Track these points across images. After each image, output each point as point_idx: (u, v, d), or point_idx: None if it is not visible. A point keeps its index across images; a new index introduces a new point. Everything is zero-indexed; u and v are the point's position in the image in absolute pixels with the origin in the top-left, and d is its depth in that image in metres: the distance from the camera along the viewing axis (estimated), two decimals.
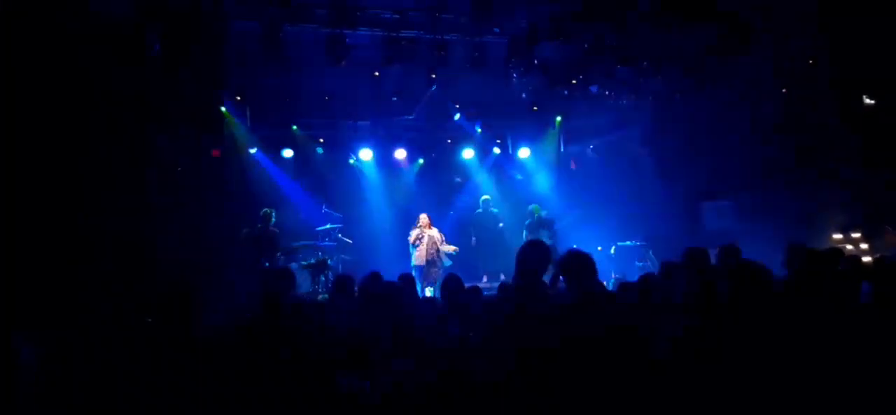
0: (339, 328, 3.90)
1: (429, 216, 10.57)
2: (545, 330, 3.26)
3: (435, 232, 10.47)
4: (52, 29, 6.37)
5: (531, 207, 11.85)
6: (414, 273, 9.83)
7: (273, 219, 10.06)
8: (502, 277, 11.77)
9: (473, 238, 12.28)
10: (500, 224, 12.28)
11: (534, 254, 3.84)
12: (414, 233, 10.40)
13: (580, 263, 3.90)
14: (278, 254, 9.85)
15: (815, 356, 3.25)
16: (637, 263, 11.25)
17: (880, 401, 3.01)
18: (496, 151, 13.83)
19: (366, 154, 12.96)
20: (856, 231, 10.78)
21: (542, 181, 13.67)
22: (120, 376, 3.21)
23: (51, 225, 6.04)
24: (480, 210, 12.46)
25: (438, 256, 10.34)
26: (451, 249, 10.54)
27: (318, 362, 3.31)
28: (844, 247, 9.89)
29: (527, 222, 11.64)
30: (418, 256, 10.30)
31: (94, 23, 6.82)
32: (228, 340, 3.83)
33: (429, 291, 9.90)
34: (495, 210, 12.50)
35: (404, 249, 10.78)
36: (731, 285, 4.01)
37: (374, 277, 4.91)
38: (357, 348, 3.59)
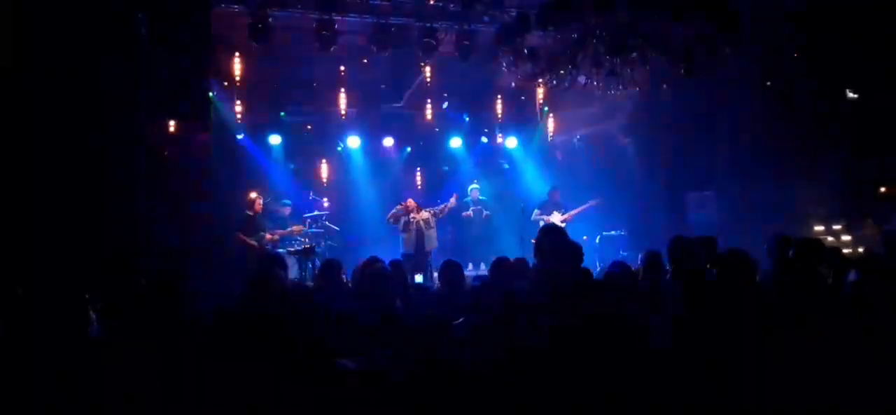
0: (329, 313, 3.91)
1: (415, 201, 10.49)
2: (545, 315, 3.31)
3: (424, 214, 10.36)
4: (39, 16, 6.32)
5: (551, 188, 11.73)
6: (403, 261, 9.82)
7: (260, 202, 10.01)
8: (482, 266, 11.83)
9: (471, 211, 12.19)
10: (485, 214, 12.26)
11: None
12: (402, 220, 10.30)
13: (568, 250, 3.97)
14: (262, 235, 9.79)
15: (801, 346, 3.31)
16: (621, 253, 11.35)
17: (866, 388, 3.07)
18: (484, 139, 13.84)
19: (354, 141, 12.93)
20: (837, 223, 10.92)
21: (529, 171, 13.72)
22: (109, 361, 3.21)
23: (38, 213, 6.01)
24: (469, 199, 12.45)
25: (430, 241, 10.29)
26: (441, 210, 10.46)
27: (309, 347, 3.32)
28: (826, 238, 10.03)
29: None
30: (407, 242, 10.24)
31: (81, 9, 6.76)
32: (218, 324, 3.84)
33: (418, 278, 9.88)
34: (483, 198, 12.51)
35: (391, 236, 10.78)
36: (718, 275, 4.08)
37: (372, 261, 4.90)
38: (347, 333, 3.61)
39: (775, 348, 3.22)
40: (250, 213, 9.78)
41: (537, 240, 4.25)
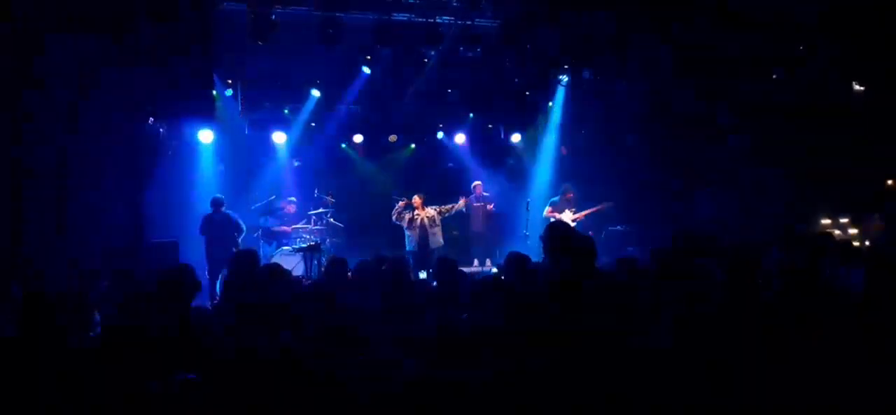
0: (332, 309, 3.91)
1: (421, 197, 10.44)
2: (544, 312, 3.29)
3: (430, 211, 10.32)
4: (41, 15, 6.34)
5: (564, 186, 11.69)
6: (408, 258, 9.81)
7: (223, 204, 10.05)
8: (488, 262, 11.82)
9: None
10: (489, 207, 12.22)
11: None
12: (406, 216, 10.26)
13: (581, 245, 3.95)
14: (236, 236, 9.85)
15: (804, 343, 3.29)
16: (628, 249, 11.31)
17: (870, 385, 3.04)
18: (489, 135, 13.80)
19: (357, 138, 12.93)
20: (844, 216, 10.87)
21: (534, 167, 13.70)
22: (115, 350, 3.22)
23: (45, 207, 6.04)
24: (472, 195, 12.43)
25: (434, 238, 10.26)
26: (448, 209, 10.44)
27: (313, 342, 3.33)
28: (833, 231, 9.97)
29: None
30: (412, 240, 10.21)
31: (84, 9, 6.77)
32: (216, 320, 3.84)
33: (422, 275, 9.86)
34: (487, 193, 12.48)
35: (395, 233, 10.77)
36: (723, 268, 4.06)
37: (378, 260, 4.89)
38: (350, 329, 3.60)
39: (777, 345, 3.20)
40: (215, 212, 9.83)
41: (543, 236, 4.22)
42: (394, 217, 10.34)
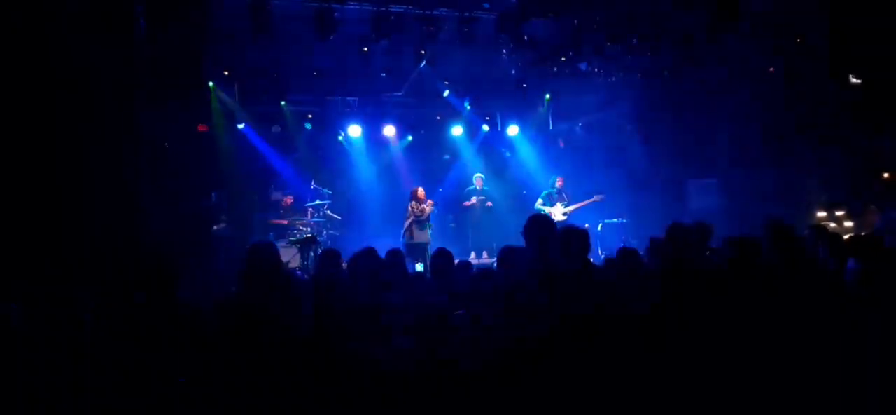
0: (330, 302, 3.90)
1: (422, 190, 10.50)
2: (539, 304, 3.29)
3: (426, 207, 10.40)
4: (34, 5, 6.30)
5: (555, 178, 11.62)
6: (411, 251, 9.81)
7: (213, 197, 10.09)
8: (485, 254, 11.84)
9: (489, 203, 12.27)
10: (488, 203, 12.24)
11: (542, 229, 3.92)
12: (426, 210, 10.23)
13: (575, 239, 3.94)
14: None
15: (794, 332, 3.30)
16: (627, 241, 11.33)
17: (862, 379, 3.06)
18: (485, 128, 13.82)
19: (354, 130, 12.91)
20: (839, 209, 10.89)
21: (531, 159, 13.70)
22: (104, 346, 3.22)
23: (35, 202, 6.02)
24: (473, 187, 12.41)
25: (430, 231, 10.35)
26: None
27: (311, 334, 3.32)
28: (827, 224, 9.99)
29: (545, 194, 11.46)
30: (423, 235, 10.20)
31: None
32: (214, 313, 3.82)
33: (419, 267, 9.86)
34: (486, 188, 12.46)
35: (392, 225, 10.77)
36: (717, 260, 4.06)
37: (369, 252, 4.88)
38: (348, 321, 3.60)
39: (779, 339, 3.21)
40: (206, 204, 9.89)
41: (524, 230, 4.20)
42: (414, 214, 10.35)
